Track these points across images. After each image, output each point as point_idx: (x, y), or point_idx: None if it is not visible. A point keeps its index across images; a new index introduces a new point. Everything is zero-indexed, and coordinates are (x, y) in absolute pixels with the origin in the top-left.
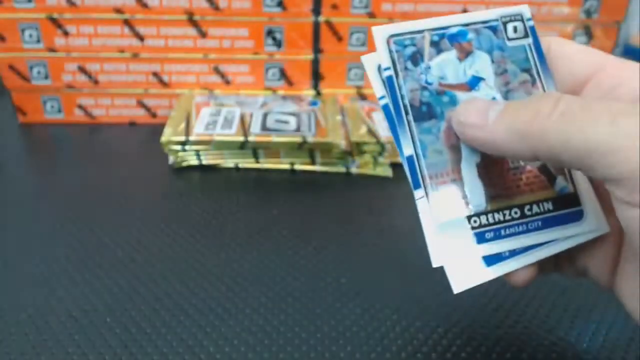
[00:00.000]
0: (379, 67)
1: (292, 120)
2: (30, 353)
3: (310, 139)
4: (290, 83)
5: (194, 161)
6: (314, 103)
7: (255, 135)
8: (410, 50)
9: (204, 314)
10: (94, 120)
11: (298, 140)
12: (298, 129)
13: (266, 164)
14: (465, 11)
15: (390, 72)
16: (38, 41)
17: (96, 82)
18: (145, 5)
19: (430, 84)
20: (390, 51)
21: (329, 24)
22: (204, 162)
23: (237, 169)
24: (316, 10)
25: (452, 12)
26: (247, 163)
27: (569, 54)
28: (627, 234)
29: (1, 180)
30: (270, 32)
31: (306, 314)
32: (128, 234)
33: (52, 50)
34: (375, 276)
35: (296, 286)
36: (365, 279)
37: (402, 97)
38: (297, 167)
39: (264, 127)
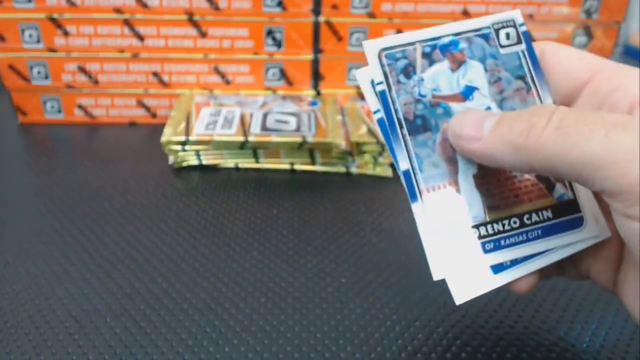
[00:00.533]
0: (372, 81)
1: (292, 120)
2: (30, 353)
3: (310, 139)
4: (290, 83)
5: (194, 161)
6: (314, 103)
7: (255, 135)
8: (402, 63)
9: (204, 314)
10: (94, 120)
11: (298, 140)
12: (298, 129)
13: (266, 164)
14: (465, 11)
15: (383, 87)
16: (38, 41)
17: (96, 82)
18: (145, 5)
19: (423, 96)
20: (382, 65)
21: (329, 24)
22: (204, 162)
23: (237, 169)
24: (316, 10)
25: (452, 12)
26: (247, 163)
27: (563, 59)
28: (627, 245)
29: (1, 180)
30: (270, 32)
31: (306, 314)
32: (128, 234)
33: (52, 50)
34: (375, 276)
35: (296, 286)
36: (365, 279)
37: (396, 111)
38: (297, 167)
39: (264, 127)
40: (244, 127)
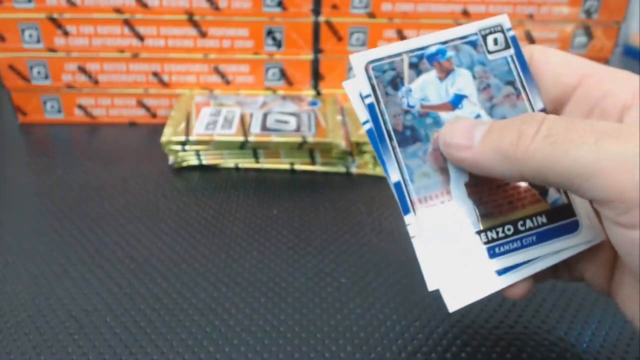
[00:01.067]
0: (361, 94)
1: (292, 120)
2: (30, 353)
3: (310, 139)
4: (290, 83)
5: (194, 161)
6: (314, 103)
7: (255, 135)
8: (389, 75)
9: (204, 314)
10: (94, 120)
11: (298, 140)
12: (298, 129)
13: (266, 164)
14: (465, 11)
15: (372, 99)
16: (38, 41)
17: (96, 82)
18: (145, 5)
19: (412, 107)
20: (370, 78)
21: (329, 24)
22: (204, 162)
23: (237, 169)
24: (316, 10)
25: (452, 12)
26: (247, 163)
27: (553, 63)
28: (619, 252)
29: (1, 180)
30: (270, 32)
31: (306, 314)
32: (128, 233)
33: (52, 50)
34: (375, 276)
35: (296, 286)
36: (365, 279)
37: (385, 123)
38: (297, 167)
39: (264, 127)
40: (244, 127)
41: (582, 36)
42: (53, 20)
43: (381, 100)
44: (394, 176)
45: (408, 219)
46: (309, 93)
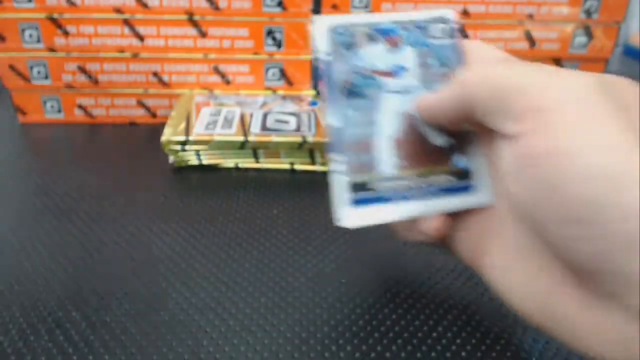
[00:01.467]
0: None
1: (292, 120)
2: (30, 354)
3: (310, 139)
4: (290, 83)
5: (194, 161)
6: (314, 103)
7: (255, 135)
8: (346, 39)
9: (204, 314)
10: (94, 120)
11: (298, 140)
12: (298, 129)
13: (266, 164)
14: (465, 11)
15: (328, 57)
16: (38, 41)
17: (96, 82)
18: (145, 5)
19: (360, 68)
20: (329, 39)
21: None
22: (204, 162)
23: (237, 169)
24: (316, 10)
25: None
26: (247, 163)
27: (481, 56)
28: (511, 185)
29: (1, 180)
30: (270, 32)
31: (306, 313)
32: (128, 233)
33: (52, 50)
34: (375, 276)
35: (296, 286)
36: (365, 279)
37: (337, 78)
38: (297, 167)
39: (264, 127)
40: (244, 127)
41: (582, 36)
42: (53, 20)
43: (336, 59)
44: (335, 121)
45: (337, 157)
46: (309, 93)
